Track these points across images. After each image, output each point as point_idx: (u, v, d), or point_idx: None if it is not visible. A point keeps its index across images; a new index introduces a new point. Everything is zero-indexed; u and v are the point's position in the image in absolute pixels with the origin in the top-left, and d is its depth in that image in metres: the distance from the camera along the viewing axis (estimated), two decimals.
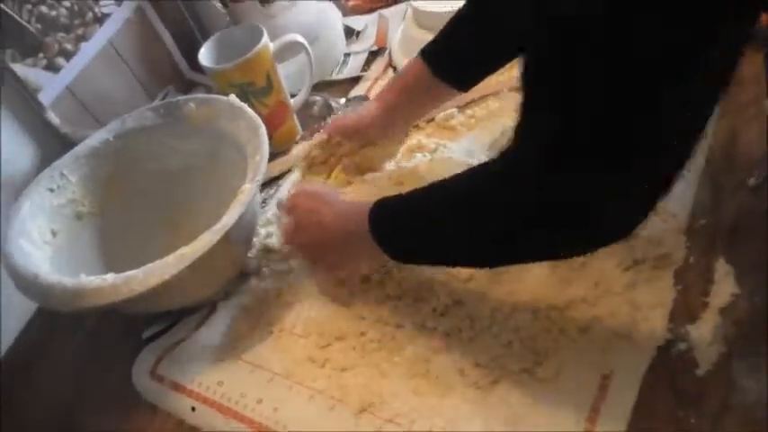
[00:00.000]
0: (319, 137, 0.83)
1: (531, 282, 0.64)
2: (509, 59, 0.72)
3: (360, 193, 0.79)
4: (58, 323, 0.82)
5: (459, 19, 0.72)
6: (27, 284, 0.65)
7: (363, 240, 0.60)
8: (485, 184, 0.51)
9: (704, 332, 0.56)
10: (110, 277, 0.61)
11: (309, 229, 0.67)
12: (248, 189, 0.66)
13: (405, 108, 0.78)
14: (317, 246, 0.68)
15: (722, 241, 0.62)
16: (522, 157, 0.48)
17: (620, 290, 0.61)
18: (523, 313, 0.62)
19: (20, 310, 0.85)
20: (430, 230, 0.57)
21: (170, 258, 0.61)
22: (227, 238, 0.63)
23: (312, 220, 0.67)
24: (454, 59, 0.73)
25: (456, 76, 0.74)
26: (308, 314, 0.72)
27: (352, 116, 0.80)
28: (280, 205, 0.74)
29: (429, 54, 0.74)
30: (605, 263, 0.63)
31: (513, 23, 0.65)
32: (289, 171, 0.90)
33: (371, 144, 0.81)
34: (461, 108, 0.88)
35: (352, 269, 0.71)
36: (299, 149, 0.91)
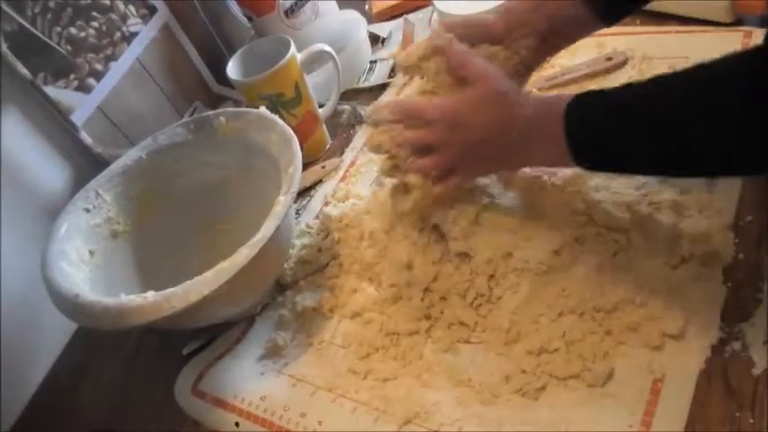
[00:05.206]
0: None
1: (577, 285, 0.62)
2: None
3: None
4: (99, 342, 0.83)
5: None
6: (68, 305, 0.65)
7: (547, 134, 0.57)
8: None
9: (759, 330, 0.54)
10: (150, 295, 0.61)
11: (484, 109, 0.60)
12: (283, 201, 0.66)
13: (532, 15, 0.66)
14: (484, 130, 0.61)
15: None
16: None
17: (668, 289, 0.59)
18: (569, 317, 0.61)
19: (60, 331, 0.85)
20: (657, 124, 0.50)
21: (209, 274, 0.61)
22: (264, 251, 0.62)
23: (492, 100, 0.60)
24: None
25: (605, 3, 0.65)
26: (346, 324, 0.71)
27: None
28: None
29: None
30: (651, 263, 0.61)
31: None
32: (320, 181, 0.90)
33: (495, 44, 0.68)
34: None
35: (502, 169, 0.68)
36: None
